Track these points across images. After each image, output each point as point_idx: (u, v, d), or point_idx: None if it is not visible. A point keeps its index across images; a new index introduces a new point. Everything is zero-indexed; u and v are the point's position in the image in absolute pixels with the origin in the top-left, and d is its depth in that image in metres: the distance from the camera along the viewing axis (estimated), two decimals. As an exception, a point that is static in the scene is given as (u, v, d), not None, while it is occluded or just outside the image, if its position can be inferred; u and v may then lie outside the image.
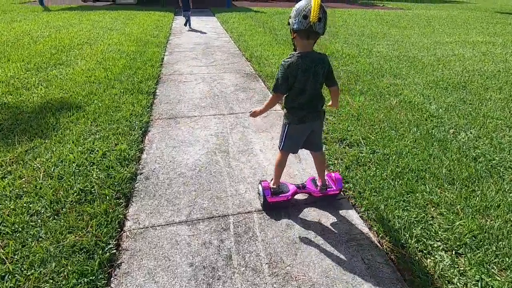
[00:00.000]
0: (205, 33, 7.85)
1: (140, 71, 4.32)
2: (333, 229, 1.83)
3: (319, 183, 1.98)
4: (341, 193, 2.11)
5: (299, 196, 2.07)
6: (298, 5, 1.48)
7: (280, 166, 1.91)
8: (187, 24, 8.28)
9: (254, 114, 1.79)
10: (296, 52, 1.61)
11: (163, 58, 5.23)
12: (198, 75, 4.48)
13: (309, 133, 1.80)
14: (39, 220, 1.73)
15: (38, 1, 11.95)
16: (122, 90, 3.62)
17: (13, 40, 5.89)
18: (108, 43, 5.83)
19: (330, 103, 1.85)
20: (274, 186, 1.95)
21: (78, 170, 2.17)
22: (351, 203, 2.06)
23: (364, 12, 13.66)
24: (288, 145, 1.82)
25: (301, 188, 2.01)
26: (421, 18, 12.47)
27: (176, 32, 7.70)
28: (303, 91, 1.65)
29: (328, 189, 1.98)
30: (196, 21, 9.43)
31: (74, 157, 2.30)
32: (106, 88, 3.67)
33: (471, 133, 2.94)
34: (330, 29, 8.54)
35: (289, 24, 1.57)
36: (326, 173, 2.04)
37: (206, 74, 4.55)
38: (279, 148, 1.87)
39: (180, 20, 9.62)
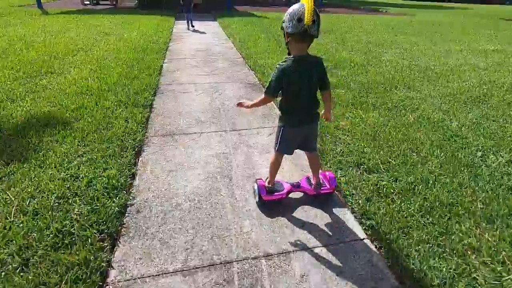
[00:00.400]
0: (206, 38, 7.59)
1: (137, 81, 4.04)
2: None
3: (313, 182, 2.01)
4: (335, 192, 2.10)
5: (294, 195, 2.09)
6: (291, 9, 1.50)
7: (275, 166, 1.94)
8: (189, 25, 8.58)
9: (240, 105, 1.83)
10: (291, 56, 1.62)
11: (162, 66, 4.96)
12: (198, 85, 4.20)
13: (304, 136, 1.83)
14: (2, 274, 1.42)
15: (37, 4, 11.74)
16: (115, 103, 3.34)
17: (5, 46, 5.63)
18: (104, 50, 5.57)
19: (322, 112, 1.86)
20: (269, 185, 1.98)
21: (57, 204, 1.86)
22: (375, 245, 1.76)
23: (368, 18, 13.46)
24: (283, 147, 1.85)
25: (295, 186, 2.05)
26: (426, 24, 12.25)
27: (177, 38, 7.44)
28: (298, 95, 1.66)
29: (322, 188, 2.01)
30: (198, 26, 9.20)
31: (55, 187, 2.00)
32: (99, 100, 3.38)
33: (501, 156, 2.64)
34: (336, 36, 8.29)
35: (282, 28, 1.58)
36: (320, 172, 2.07)
37: (207, 84, 4.27)
38: (274, 149, 1.89)
39: (181, 24, 9.38)
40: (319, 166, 2.03)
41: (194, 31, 8.53)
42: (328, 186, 2.02)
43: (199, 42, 7.04)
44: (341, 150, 2.65)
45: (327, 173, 2.09)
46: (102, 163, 2.29)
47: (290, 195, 2.07)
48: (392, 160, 2.51)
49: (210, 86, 4.21)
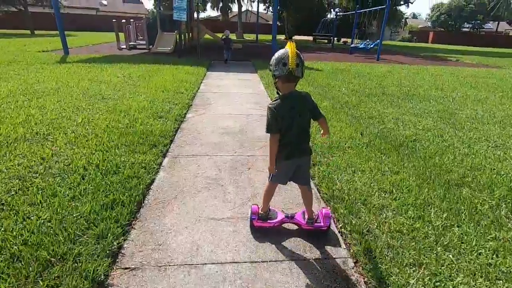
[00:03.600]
0: (242, 104, 5.32)
1: (101, 225, 1.65)
2: None
3: (306, 216, 2.02)
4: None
5: (289, 225, 2.06)
6: (277, 55, 1.64)
7: (268, 194, 1.99)
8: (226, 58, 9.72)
9: (270, 170, 1.82)
10: (280, 95, 1.73)
11: (153, 181, 2.60)
12: (215, 255, 1.72)
13: (295, 168, 1.86)
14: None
15: (63, 49, 10.72)
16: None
17: None
18: (71, 137, 3.37)
19: (322, 132, 1.93)
20: (262, 212, 2.02)
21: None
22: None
23: (439, 70, 10.67)
24: (276, 178, 1.91)
25: (289, 218, 2.05)
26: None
27: (201, 102, 5.27)
28: (289, 129, 1.73)
29: (315, 224, 2.00)
30: (232, 80, 7.13)
31: None
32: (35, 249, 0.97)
33: None
34: (394, 99, 5.60)
35: (270, 70, 1.71)
36: (318, 208, 2.11)
37: (233, 252, 1.79)
38: (268, 179, 1.94)
39: (213, 79, 7.38)
40: (311, 200, 2.01)
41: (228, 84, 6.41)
42: (322, 223, 1.99)
43: (230, 113, 4.75)
44: None
45: (323, 210, 2.04)
46: None
47: (285, 225, 2.06)
48: None
49: (240, 256, 1.72)
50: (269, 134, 1.74)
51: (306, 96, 1.77)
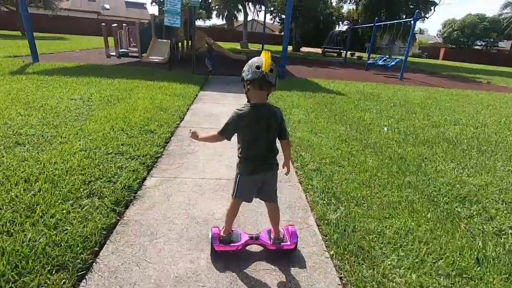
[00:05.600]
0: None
1: None
2: None
3: (272, 236, 1.89)
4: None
5: (253, 247, 1.92)
6: (251, 60, 1.59)
7: (232, 214, 1.86)
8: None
9: (193, 135, 1.73)
10: (250, 103, 1.64)
11: None
12: None
13: (261, 184, 1.77)
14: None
15: (32, 56, 8.95)
16: None
17: None
18: None
19: (282, 164, 1.81)
20: (224, 235, 1.87)
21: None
22: None
23: (483, 96, 8.78)
24: (240, 194, 1.78)
25: (254, 239, 1.91)
26: None
27: (177, 150, 3.37)
28: (255, 143, 1.66)
29: (282, 243, 1.87)
30: (230, 106, 5.27)
31: None
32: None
33: None
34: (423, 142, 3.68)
35: (242, 79, 1.60)
36: (284, 226, 1.99)
37: None
38: (232, 196, 1.81)
39: (204, 102, 5.54)
40: (278, 219, 1.88)
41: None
42: (289, 242, 1.87)
43: (220, 177, 2.86)
44: None
45: (289, 227, 1.94)
46: None
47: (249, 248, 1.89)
48: None
49: None
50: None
51: (277, 112, 1.69)
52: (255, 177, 1.72)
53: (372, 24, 16.34)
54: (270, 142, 1.69)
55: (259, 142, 1.65)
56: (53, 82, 6.08)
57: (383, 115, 5.56)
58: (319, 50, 31.36)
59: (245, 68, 1.58)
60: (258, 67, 1.52)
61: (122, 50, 14.01)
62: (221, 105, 5.62)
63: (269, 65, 1.51)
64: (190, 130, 1.74)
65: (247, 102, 1.66)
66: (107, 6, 43.01)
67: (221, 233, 1.86)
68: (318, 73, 12.44)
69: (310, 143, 3.82)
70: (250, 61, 1.59)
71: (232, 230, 1.90)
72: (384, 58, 15.03)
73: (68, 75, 6.87)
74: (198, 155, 3.34)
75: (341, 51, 26.85)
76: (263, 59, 1.52)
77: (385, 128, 4.65)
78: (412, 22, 12.42)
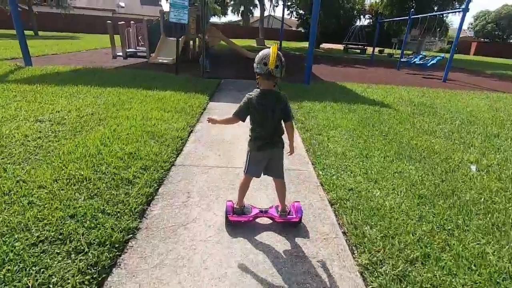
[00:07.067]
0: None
1: None
2: None
3: (279, 209, 2.13)
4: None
5: (263, 220, 2.12)
6: (261, 53, 1.77)
7: (243, 188, 2.10)
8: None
9: (212, 121, 1.98)
10: (259, 89, 1.86)
11: None
12: None
13: (268, 160, 2.00)
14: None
15: (24, 59, 7.94)
16: None
17: None
18: None
19: (287, 146, 2.00)
20: (237, 207, 2.12)
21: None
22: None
23: None
24: (251, 170, 2.03)
25: (263, 212, 2.15)
26: None
27: (166, 214, 2.05)
28: (261, 124, 1.90)
29: (289, 216, 2.11)
30: (246, 126, 3.97)
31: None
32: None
33: None
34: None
35: (253, 67, 1.81)
36: (291, 203, 2.21)
37: None
38: (244, 172, 2.06)
39: (217, 111, 4.22)
40: (284, 194, 2.11)
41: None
42: (295, 216, 2.10)
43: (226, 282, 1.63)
44: None
45: (295, 203, 2.18)
46: None
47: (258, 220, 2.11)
48: None
49: None
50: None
51: (282, 96, 1.87)
52: (263, 153, 1.96)
53: (403, 18, 14.48)
54: (275, 124, 1.91)
55: (266, 123, 1.89)
56: (30, 94, 4.94)
57: (455, 141, 4.05)
58: (340, 46, 29.44)
59: (256, 60, 1.79)
60: (265, 64, 1.73)
61: (130, 50, 12.95)
62: (234, 125, 4.29)
63: (275, 61, 1.69)
64: (208, 118, 2.00)
65: (257, 88, 1.88)
66: (122, 4, 42.53)
67: (235, 205, 2.13)
68: (346, 74, 10.88)
69: (371, 204, 2.42)
70: (260, 54, 1.77)
71: (244, 205, 2.15)
72: (421, 56, 13.20)
73: (54, 84, 5.73)
74: (194, 231, 2.02)
75: (365, 47, 24.89)
76: (270, 55, 1.69)
77: (473, 168, 3.18)
78: (459, 13, 10.61)
